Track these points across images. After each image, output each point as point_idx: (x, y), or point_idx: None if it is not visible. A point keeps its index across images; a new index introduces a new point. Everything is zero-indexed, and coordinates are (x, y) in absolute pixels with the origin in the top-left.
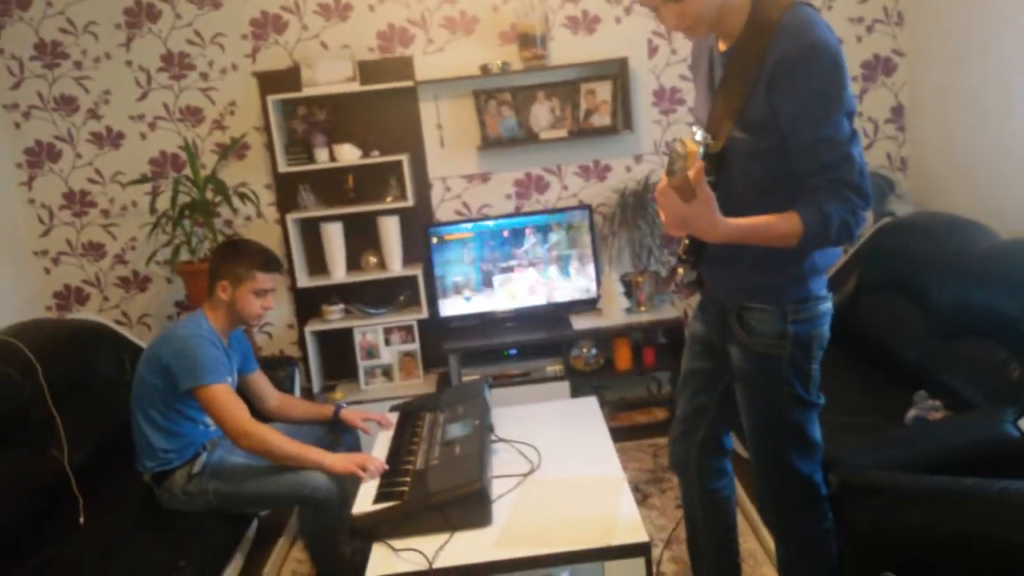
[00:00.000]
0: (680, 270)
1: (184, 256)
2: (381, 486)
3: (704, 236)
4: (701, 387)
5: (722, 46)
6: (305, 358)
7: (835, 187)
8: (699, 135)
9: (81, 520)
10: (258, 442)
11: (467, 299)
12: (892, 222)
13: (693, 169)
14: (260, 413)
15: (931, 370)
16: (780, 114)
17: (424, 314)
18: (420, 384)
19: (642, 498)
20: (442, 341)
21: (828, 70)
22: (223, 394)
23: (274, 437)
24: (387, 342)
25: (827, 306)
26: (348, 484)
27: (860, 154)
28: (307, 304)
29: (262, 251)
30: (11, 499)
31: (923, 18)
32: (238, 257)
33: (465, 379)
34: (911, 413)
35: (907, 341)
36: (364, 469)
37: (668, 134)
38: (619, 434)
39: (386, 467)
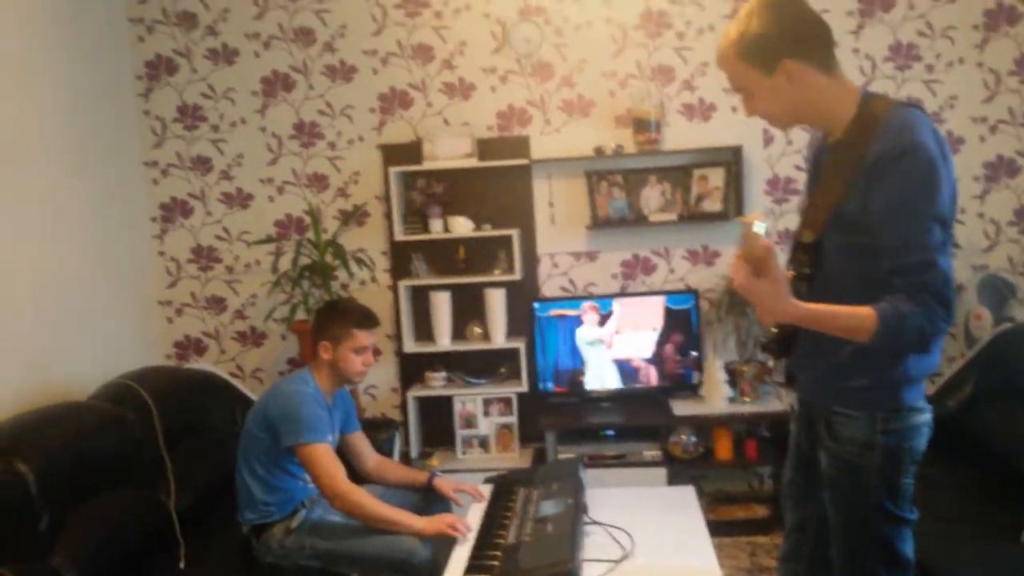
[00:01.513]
0: (771, 363)
1: (300, 315)
2: (472, 558)
3: (772, 313)
4: (800, 499)
5: (829, 139)
6: (406, 423)
7: (917, 291)
8: (760, 221)
9: (182, 565)
10: (353, 504)
11: (565, 375)
12: (1013, 327)
13: (760, 242)
14: (357, 473)
15: None
16: (874, 210)
17: (524, 387)
18: (515, 458)
19: None
20: (540, 416)
21: (923, 172)
22: (322, 454)
23: (367, 499)
24: (486, 413)
25: (924, 418)
26: (440, 557)
27: (948, 264)
28: (411, 369)
29: (359, 309)
30: (117, 536)
31: None
32: (336, 317)
33: (560, 456)
34: None
35: None
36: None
37: (780, 223)
38: (715, 528)
39: (471, 528)
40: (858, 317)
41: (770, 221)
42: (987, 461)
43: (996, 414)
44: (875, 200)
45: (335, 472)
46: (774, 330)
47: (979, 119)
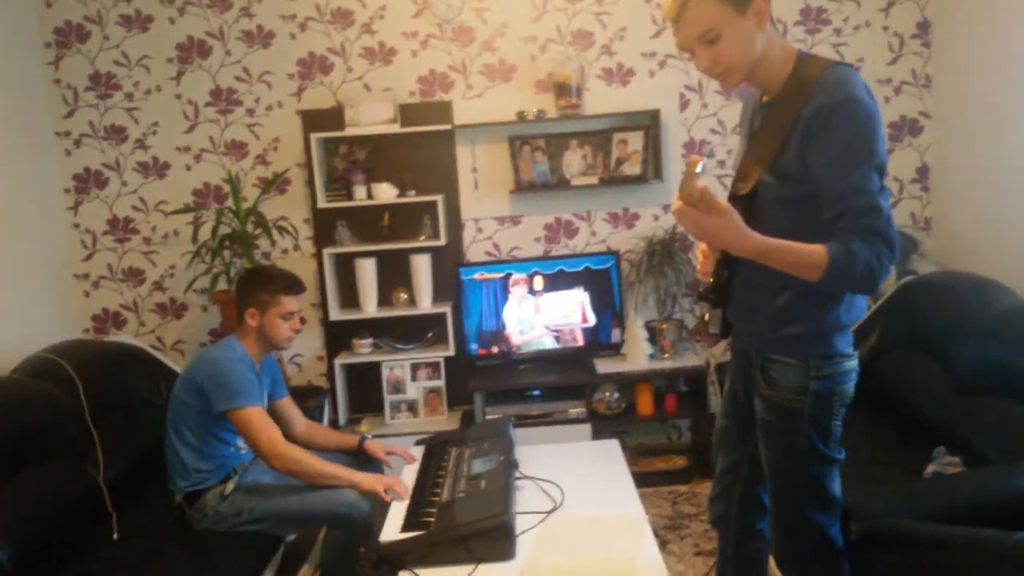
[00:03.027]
0: (706, 317)
1: (222, 285)
2: (408, 516)
3: (732, 246)
4: (733, 444)
5: (764, 99)
6: (333, 390)
7: (863, 232)
8: (701, 161)
9: (115, 536)
10: (293, 461)
11: (490, 338)
12: (915, 280)
13: (700, 181)
14: (287, 439)
15: (950, 427)
16: (813, 164)
17: (451, 352)
18: (444, 420)
19: (661, 544)
20: (467, 379)
21: (862, 123)
22: (257, 416)
23: (306, 456)
24: (414, 378)
25: (852, 364)
26: (374, 513)
27: (888, 206)
28: (338, 337)
29: (284, 275)
30: (48, 511)
31: (950, 81)
32: (262, 284)
33: (488, 417)
34: (930, 469)
35: (927, 398)
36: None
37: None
38: (638, 479)
39: (409, 490)
40: (809, 253)
41: (709, 162)
42: (892, 407)
43: (900, 363)
44: (815, 152)
45: (272, 433)
46: (711, 279)
47: (884, 81)
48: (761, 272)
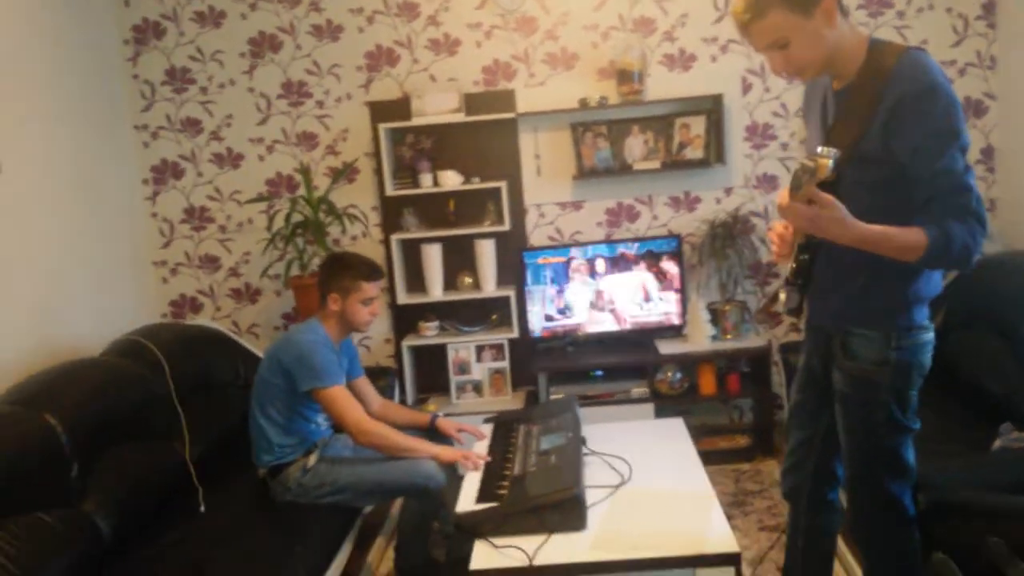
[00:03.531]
0: (782, 295)
1: (295, 271)
2: (482, 489)
3: (836, 235)
4: (808, 417)
5: (836, 85)
6: (400, 371)
7: (957, 212)
8: (828, 151)
9: (202, 508)
10: (378, 436)
11: (554, 320)
12: (981, 260)
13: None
14: None
15: (1017, 402)
16: (899, 150)
17: (515, 333)
18: (508, 400)
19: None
20: (531, 360)
21: (944, 109)
22: (342, 395)
23: (390, 431)
24: (479, 359)
25: (929, 336)
26: (449, 487)
27: (975, 186)
28: (405, 320)
29: (365, 262)
30: (141, 484)
31: (1015, 62)
32: (344, 270)
33: (552, 397)
34: (996, 444)
35: (993, 375)
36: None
37: (759, 168)
38: (701, 458)
39: (488, 458)
40: (910, 237)
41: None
42: (959, 384)
43: (967, 341)
44: (902, 139)
45: (357, 410)
46: (794, 264)
47: (948, 62)
48: (844, 251)
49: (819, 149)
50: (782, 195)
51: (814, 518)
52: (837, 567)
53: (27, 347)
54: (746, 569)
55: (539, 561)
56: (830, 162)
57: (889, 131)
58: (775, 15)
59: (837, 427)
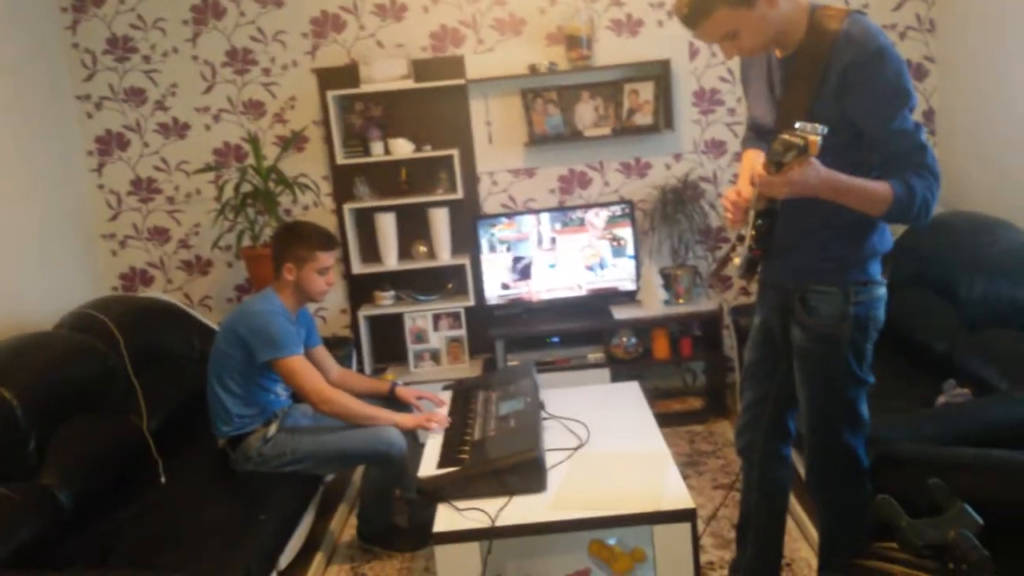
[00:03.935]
0: (736, 259)
1: (247, 242)
2: (443, 454)
3: (815, 187)
4: (764, 375)
5: (779, 54)
6: (357, 341)
7: (917, 167)
8: (815, 127)
9: (162, 480)
10: (339, 404)
11: (509, 288)
12: None
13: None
14: None
15: (959, 359)
16: (853, 113)
17: (471, 302)
18: (466, 368)
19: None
20: (487, 328)
21: (895, 71)
22: (301, 364)
23: (351, 399)
24: (435, 327)
25: (883, 291)
26: (410, 453)
27: (927, 141)
28: (360, 290)
29: (320, 232)
30: (99, 456)
31: (954, 26)
32: (299, 240)
33: (510, 364)
34: (940, 399)
35: (937, 333)
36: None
37: (707, 133)
38: (657, 421)
39: (450, 421)
40: (879, 190)
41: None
42: (903, 342)
43: (910, 300)
44: (855, 102)
45: (316, 379)
46: (752, 232)
47: (890, 26)
48: (801, 211)
49: (800, 125)
50: (757, 173)
51: (767, 473)
52: (789, 522)
53: None
54: (701, 526)
55: (501, 522)
56: (819, 139)
57: (841, 95)
58: (720, 13)
59: (795, 383)
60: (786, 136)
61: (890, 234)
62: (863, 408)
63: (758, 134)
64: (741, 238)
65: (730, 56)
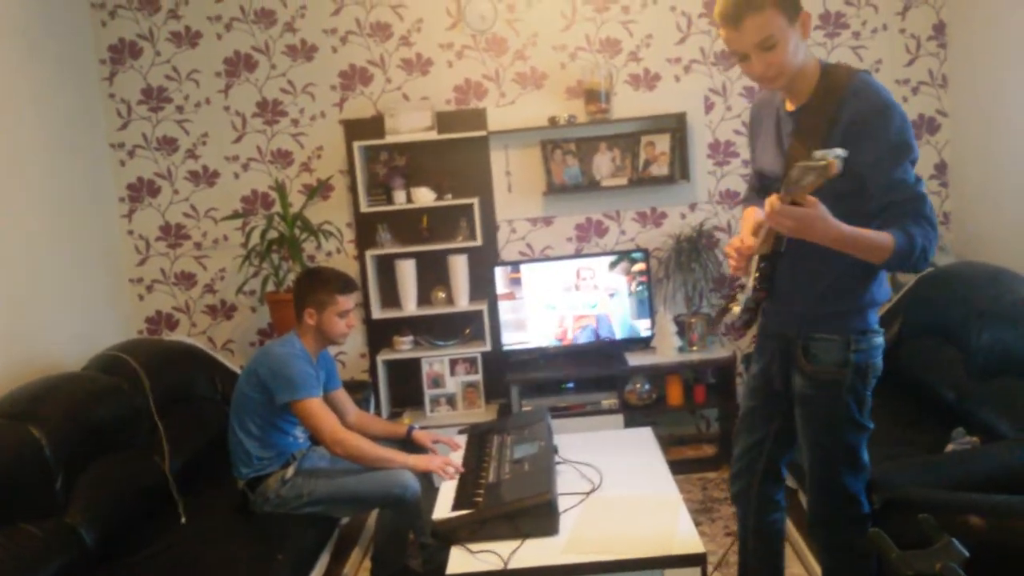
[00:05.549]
0: (735, 308)
1: (270, 287)
2: (458, 496)
3: (820, 233)
4: (760, 422)
5: (790, 106)
6: (375, 385)
7: (916, 217)
8: (833, 152)
9: (183, 520)
10: (353, 447)
11: (528, 335)
12: (934, 272)
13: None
14: None
15: (968, 408)
16: (858, 162)
17: (488, 347)
18: (482, 413)
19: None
20: (503, 373)
21: (899, 125)
22: (318, 407)
23: (365, 442)
24: (452, 372)
25: (881, 339)
26: (424, 497)
27: (926, 193)
28: (379, 335)
29: (339, 276)
30: (123, 495)
31: (966, 81)
32: (319, 284)
33: (524, 409)
34: (949, 448)
35: (947, 382)
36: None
37: (722, 184)
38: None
39: (463, 469)
40: (879, 239)
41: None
42: (913, 391)
43: (921, 350)
44: (860, 152)
45: (332, 421)
46: (755, 275)
47: (902, 81)
48: (806, 259)
49: (819, 153)
50: (770, 202)
51: (763, 518)
52: (798, 565)
53: (4, 363)
54: (711, 571)
55: (513, 565)
56: (838, 161)
57: (847, 146)
58: (769, 12)
59: (795, 430)
60: (803, 163)
61: (888, 285)
62: (864, 453)
63: (760, 191)
64: (742, 286)
65: (755, 73)
